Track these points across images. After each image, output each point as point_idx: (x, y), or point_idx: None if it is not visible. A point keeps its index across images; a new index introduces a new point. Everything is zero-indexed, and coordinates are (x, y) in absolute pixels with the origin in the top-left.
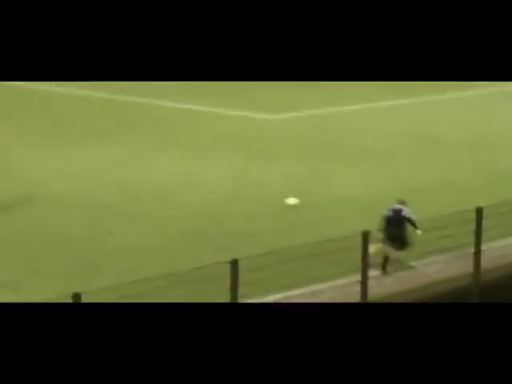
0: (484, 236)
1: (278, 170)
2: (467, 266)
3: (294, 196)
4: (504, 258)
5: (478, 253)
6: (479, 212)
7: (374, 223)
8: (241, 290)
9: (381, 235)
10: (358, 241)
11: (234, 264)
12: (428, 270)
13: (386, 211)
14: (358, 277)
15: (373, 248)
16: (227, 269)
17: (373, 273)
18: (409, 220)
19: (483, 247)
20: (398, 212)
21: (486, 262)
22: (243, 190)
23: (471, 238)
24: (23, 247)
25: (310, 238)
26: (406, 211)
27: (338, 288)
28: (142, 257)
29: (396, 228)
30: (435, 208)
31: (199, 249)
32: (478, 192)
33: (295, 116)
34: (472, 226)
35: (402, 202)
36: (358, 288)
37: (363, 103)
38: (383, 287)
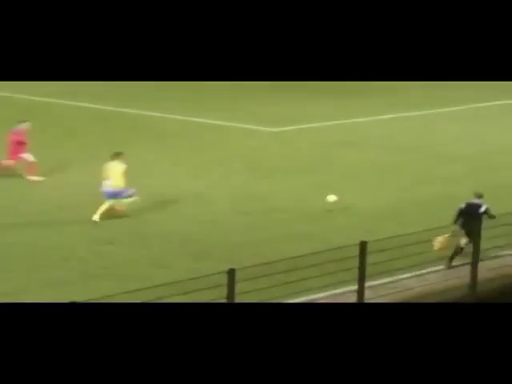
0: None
1: (279, 182)
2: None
3: (295, 208)
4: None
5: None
6: None
7: (373, 235)
8: (238, 300)
9: (454, 228)
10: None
11: (231, 274)
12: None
13: (463, 204)
14: (354, 287)
15: (440, 241)
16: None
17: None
18: (487, 214)
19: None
20: (475, 206)
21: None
22: (244, 202)
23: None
24: (23, 257)
25: (311, 249)
26: (484, 205)
27: (334, 297)
28: (143, 267)
29: (472, 221)
30: (438, 220)
31: (200, 260)
32: None
33: (296, 128)
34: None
35: (480, 196)
36: (354, 298)
37: (364, 116)
38: (379, 298)
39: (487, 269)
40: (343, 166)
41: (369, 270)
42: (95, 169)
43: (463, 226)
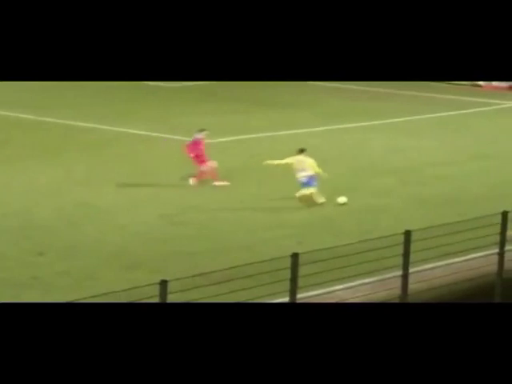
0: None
1: (212, 194)
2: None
3: (230, 219)
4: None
5: (405, 276)
6: (407, 235)
7: (306, 246)
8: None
9: None
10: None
11: (164, 285)
12: (361, 290)
13: None
14: (286, 299)
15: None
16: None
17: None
18: None
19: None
20: None
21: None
22: (177, 213)
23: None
24: None
25: (244, 260)
26: None
27: None
28: (77, 278)
29: None
30: (370, 231)
31: (131, 271)
32: (410, 216)
33: (228, 140)
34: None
35: None
36: None
37: (297, 128)
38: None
39: (417, 281)
40: (276, 177)
41: (301, 281)
42: (24, 179)
43: None
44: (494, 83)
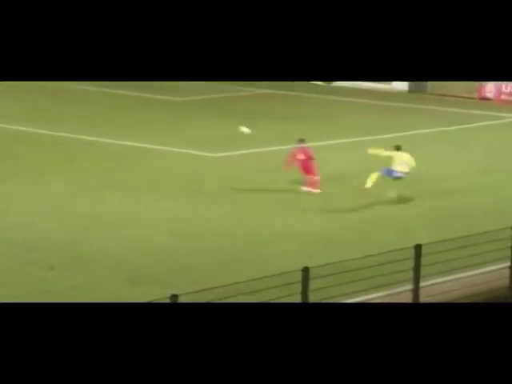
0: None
1: (218, 207)
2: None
3: (235, 232)
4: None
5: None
6: (418, 249)
7: (314, 260)
8: None
9: None
10: (298, 277)
11: (174, 299)
12: None
13: None
14: None
15: None
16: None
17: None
18: None
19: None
20: None
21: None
22: (182, 226)
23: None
24: None
25: (251, 275)
26: None
27: None
28: (84, 291)
29: None
30: (378, 245)
31: (135, 285)
32: (419, 230)
33: (236, 154)
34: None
35: None
36: None
37: (311, 141)
38: None
39: (428, 295)
40: (283, 190)
41: (312, 296)
42: (31, 193)
43: None
44: (503, 96)
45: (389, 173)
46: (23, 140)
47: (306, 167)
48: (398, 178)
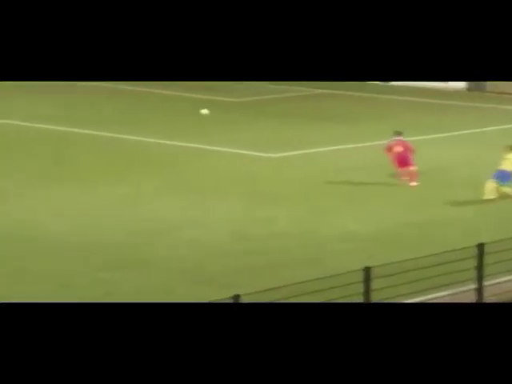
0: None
1: (279, 208)
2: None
3: (296, 233)
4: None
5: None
6: (481, 248)
7: (375, 260)
8: None
9: None
10: (358, 277)
11: (237, 299)
12: None
13: None
14: None
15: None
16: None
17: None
18: None
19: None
20: None
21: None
22: (246, 227)
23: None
24: (21, 284)
25: (314, 275)
26: None
27: None
28: (152, 294)
29: None
30: (440, 245)
31: (202, 286)
32: (481, 229)
33: (296, 154)
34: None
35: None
36: None
37: (361, 142)
38: None
39: (492, 294)
40: (343, 191)
41: (372, 296)
42: (91, 196)
43: None
44: None
45: (505, 177)
46: (85, 143)
47: (404, 160)
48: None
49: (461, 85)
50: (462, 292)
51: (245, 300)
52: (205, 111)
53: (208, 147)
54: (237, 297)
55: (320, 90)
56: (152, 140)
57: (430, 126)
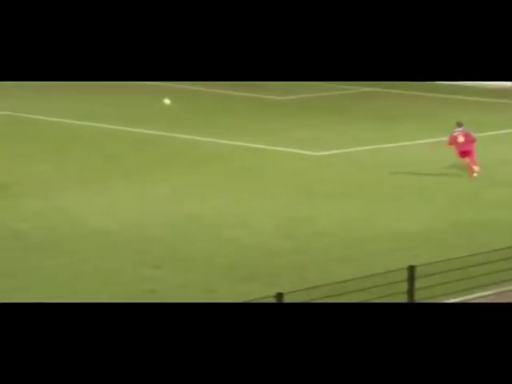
0: None
1: (322, 206)
2: None
3: (340, 231)
4: None
5: None
6: None
7: (419, 259)
8: None
9: None
10: (402, 276)
11: (279, 298)
12: None
13: None
14: None
15: None
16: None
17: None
18: None
19: None
20: None
21: None
22: (290, 226)
23: None
24: (67, 281)
25: (356, 274)
26: None
27: None
28: (195, 291)
29: None
30: (482, 245)
31: (246, 284)
32: None
33: (338, 152)
34: None
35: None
36: None
37: (403, 141)
38: None
39: None
40: (386, 189)
41: (416, 295)
42: (137, 194)
43: None
44: None
45: None
46: (129, 140)
47: (466, 150)
48: None
49: (504, 82)
50: (506, 292)
51: (288, 299)
52: (167, 101)
53: (255, 145)
54: (280, 295)
55: (366, 89)
56: (199, 138)
57: (478, 123)
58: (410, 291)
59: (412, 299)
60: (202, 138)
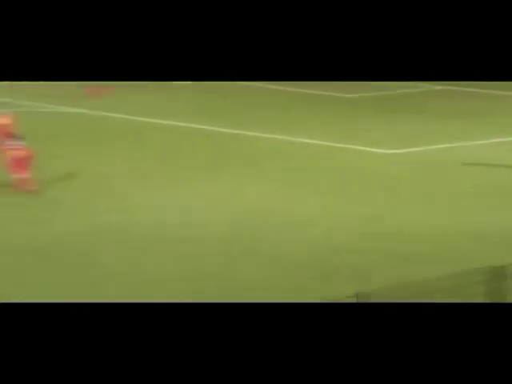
0: None
1: (394, 204)
2: None
3: (417, 230)
4: None
5: None
6: None
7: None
8: None
9: None
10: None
11: (365, 297)
12: None
13: None
14: None
15: None
16: None
17: None
18: None
19: None
20: None
21: None
22: (359, 223)
23: None
24: (128, 282)
25: (438, 271)
26: None
27: None
28: (256, 288)
29: None
30: None
31: (320, 282)
32: None
33: (413, 150)
34: None
35: None
36: None
37: (483, 139)
38: None
39: None
40: (468, 188)
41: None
42: (202, 191)
43: None
44: None
45: None
46: (193, 137)
47: None
48: None
49: None
50: None
51: (372, 298)
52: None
53: (324, 143)
54: (363, 294)
55: (438, 87)
56: (266, 135)
57: None
58: (491, 292)
59: (492, 300)
60: (269, 135)
